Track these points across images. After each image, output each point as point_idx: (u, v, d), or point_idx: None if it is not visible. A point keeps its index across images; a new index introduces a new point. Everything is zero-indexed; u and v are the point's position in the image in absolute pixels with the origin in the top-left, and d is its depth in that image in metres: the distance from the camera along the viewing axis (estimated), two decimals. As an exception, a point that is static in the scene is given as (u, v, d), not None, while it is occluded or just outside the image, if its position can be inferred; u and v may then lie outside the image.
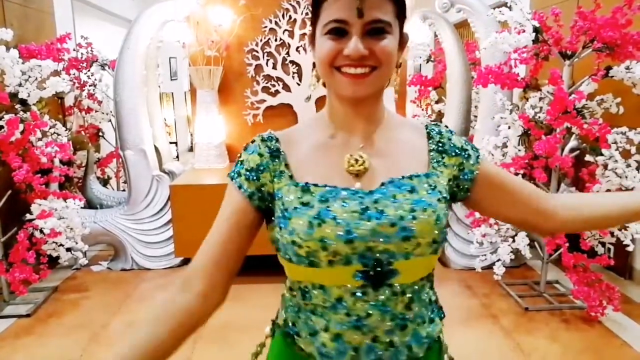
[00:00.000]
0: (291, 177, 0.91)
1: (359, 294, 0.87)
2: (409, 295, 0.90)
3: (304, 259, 0.87)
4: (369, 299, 0.87)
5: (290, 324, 0.97)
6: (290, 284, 0.98)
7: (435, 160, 0.96)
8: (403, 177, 0.90)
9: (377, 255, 0.86)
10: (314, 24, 0.92)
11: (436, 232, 0.88)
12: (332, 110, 0.96)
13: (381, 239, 0.85)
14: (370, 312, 0.87)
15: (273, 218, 0.93)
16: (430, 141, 0.98)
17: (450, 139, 0.99)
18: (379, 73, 0.88)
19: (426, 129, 1.00)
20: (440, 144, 0.97)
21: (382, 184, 0.90)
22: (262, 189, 0.93)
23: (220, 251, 0.94)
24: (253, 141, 0.97)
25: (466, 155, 0.98)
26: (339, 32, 0.86)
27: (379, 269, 0.86)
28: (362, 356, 0.89)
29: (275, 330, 1.03)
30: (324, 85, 0.95)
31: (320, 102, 1.22)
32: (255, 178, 0.93)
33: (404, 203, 0.87)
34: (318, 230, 0.84)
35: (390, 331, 0.89)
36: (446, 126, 1.02)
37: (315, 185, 0.89)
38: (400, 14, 0.91)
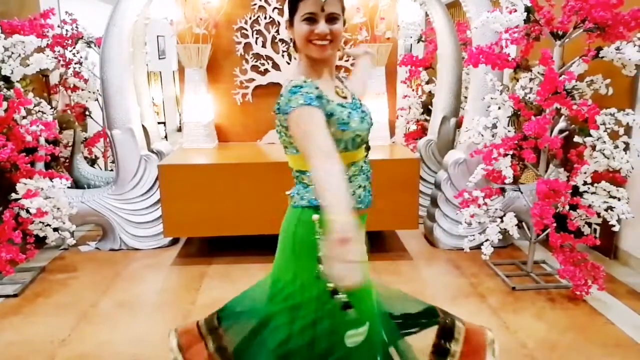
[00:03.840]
0: (329, 101, 1.46)
1: (364, 161, 1.59)
2: (355, 170, 1.57)
3: (357, 143, 1.52)
4: (363, 163, 1.59)
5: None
6: None
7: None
8: (354, 98, 1.61)
9: (364, 139, 1.56)
10: (291, 14, 1.49)
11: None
12: (308, 68, 1.53)
13: (366, 131, 1.56)
14: (363, 170, 1.58)
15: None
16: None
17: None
18: (334, 44, 1.49)
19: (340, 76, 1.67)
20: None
21: (354, 99, 1.60)
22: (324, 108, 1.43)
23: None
24: (303, 83, 1.41)
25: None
26: (310, 20, 1.45)
27: (367, 145, 1.59)
28: (361, 196, 1.57)
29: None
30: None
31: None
32: (320, 102, 1.42)
33: (365, 111, 1.60)
34: (360, 125, 1.52)
35: (364, 179, 1.59)
36: None
37: (340, 104, 1.50)
38: (343, 9, 1.51)
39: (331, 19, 1.45)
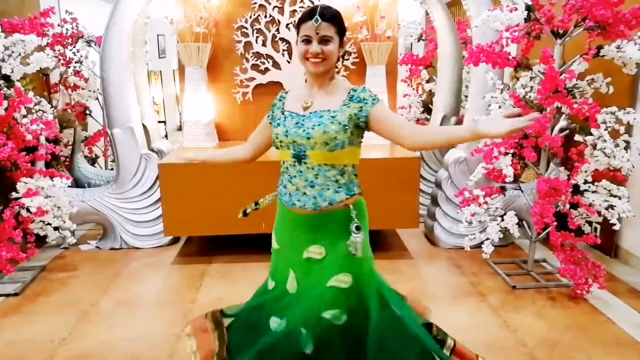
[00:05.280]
0: (280, 108, 1.83)
1: (292, 164, 1.76)
2: (315, 170, 1.72)
3: (278, 145, 1.79)
4: (296, 168, 1.75)
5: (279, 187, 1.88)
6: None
7: (343, 105, 1.72)
8: (321, 111, 1.73)
9: (298, 146, 1.71)
10: (297, 34, 1.75)
11: (324, 139, 1.67)
12: (307, 80, 1.82)
13: (300, 138, 1.70)
14: (296, 175, 1.75)
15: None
16: (347, 95, 1.74)
17: (359, 93, 1.73)
18: (326, 62, 1.71)
19: (350, 90, 1.74)
20: (351, 96, 1.72)
21: (310, 113, 1.74)
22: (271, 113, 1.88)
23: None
24: (281, 92, 1.91)
25: (364, 102, 1.71)
26: (306, 41, 1.71)
27: (299, 153, 1.72)
28: (292, 197, 1.77)
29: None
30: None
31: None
32: (271, 108, 1.89)
33: (314, 122, 1.70)
34: (286, 132, 1.74)
35: (304, 186, 1.74)
36: (369, 90, 1.75)
37: (289, 112, 1.79)
38: (339, 31, 1.72)
39: (324, 40, 1.69)
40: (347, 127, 1.68)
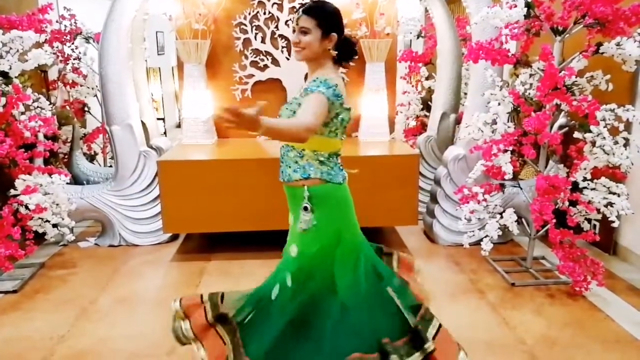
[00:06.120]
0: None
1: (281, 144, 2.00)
2: (284, 149, 1.96)
3: None
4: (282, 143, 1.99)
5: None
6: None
7: (304, 92, 1.89)
8: (295, 97, 1.98)
9: None
10: None
11: None
12: None
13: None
14: (281, 148, 1.99)
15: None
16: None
17: (312, 83, 1.87)
18: (304, 52, 1.91)
19: (316, 79, 1.89)
20: (310, 85, 1.87)
21: (294, 98, 1.98)
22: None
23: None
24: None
25: (306, 91, 1.87)
26: (294, 31, 1.92)
27: None
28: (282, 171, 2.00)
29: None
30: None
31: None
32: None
33: (286, 106, 1.95)
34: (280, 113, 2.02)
35: (280, 160, 1.99)
36: (325, 81, 1.85)
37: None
38: (321, 24, 1.88)
39: (302, 32, 1.88)
40: (295, 114, 1.84)
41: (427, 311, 2.01)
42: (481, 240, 3.25)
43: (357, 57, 2.04)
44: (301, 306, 1.89)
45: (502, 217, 3.23)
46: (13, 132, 3.23)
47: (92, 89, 4.89)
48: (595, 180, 3.04)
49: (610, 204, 2.95)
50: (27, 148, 3.36)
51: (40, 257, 3.72)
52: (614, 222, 2.95)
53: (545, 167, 3.30)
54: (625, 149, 2.90)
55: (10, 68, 3.22)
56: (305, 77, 3.31)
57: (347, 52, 1.98)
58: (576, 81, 3.02)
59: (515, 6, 2.99)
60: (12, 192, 3.27)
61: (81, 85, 4.81)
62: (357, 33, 4.02)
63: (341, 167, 2.00)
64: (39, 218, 3.32)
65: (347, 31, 4.10)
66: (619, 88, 3.11)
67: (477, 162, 3.25)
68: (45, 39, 4.04)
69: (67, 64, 4.70)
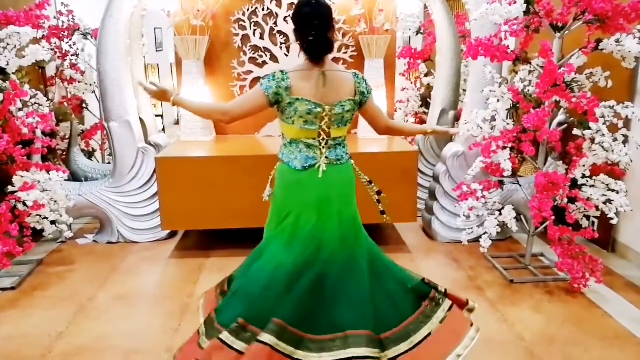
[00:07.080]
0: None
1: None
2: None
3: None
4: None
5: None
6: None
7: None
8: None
9: None
10: None
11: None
12: None
13: None
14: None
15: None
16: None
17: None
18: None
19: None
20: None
21: None
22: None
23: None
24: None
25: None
26: None
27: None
28: None
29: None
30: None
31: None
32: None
33: None
34: None
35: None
36: (275, 71, 2.04)
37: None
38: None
39: None
40: (271, 103, 2.03)
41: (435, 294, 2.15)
42: (480, 237, 3.25)
43: (316, 47, 1.99)
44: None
45: (501, 214, 3.22)
46: (11, 129, 3.21)
47: (90, 85, 4.87)
48: (594, 177, 3.03)
49: (609, 201, 2.95)
50: (24, 145, 3.35)
51: (38, 254, 3.72)
52: (612, 219, 2.94)
53: (544, 164, 3.29)
54: (624, 146, 2.90)
55: (8, 64, 3.20)
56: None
57: (301, 44, 2.02)
58: (575, 78, 3.01)
59: (515, 3, 2.97)
60: (10, 188, 3.25)
61: (79, 82, 4.79)
62: (356, 29, 4.01)
63: (311, 157, 2.05)
64: (37, 215, 3.31)
65: (346, 27, 4.14)
66: (618, 85, 3.10)
67: (476, 159, 3.24)
68: (43, 35, 4.03)
69: (65, 60, 4.69)
